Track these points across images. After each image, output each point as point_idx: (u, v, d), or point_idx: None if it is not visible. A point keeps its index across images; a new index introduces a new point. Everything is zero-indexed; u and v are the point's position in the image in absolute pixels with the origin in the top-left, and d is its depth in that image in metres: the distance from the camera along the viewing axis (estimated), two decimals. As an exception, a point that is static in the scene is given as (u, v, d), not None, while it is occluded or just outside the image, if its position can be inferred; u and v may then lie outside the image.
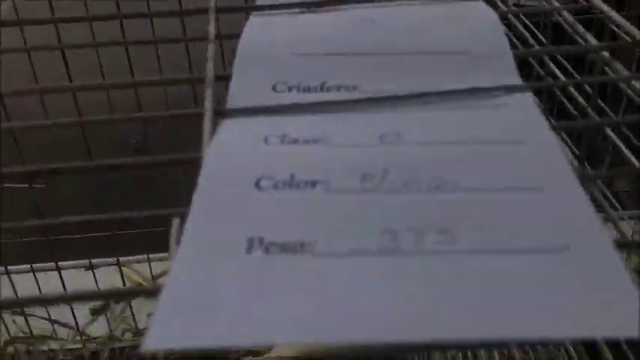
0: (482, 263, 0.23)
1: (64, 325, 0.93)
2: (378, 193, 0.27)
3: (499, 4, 0.47)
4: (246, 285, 0.23)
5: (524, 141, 0.29)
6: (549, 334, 0.21)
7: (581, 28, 0.38)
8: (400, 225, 0.25)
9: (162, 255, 0.99)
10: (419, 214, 0.25)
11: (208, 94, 0.33)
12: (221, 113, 0.32)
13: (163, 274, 1.00)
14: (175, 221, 0.26)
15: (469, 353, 0.77)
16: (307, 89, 0.34)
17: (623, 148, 0.36)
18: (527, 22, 0.60)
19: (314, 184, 0.27)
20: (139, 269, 1.01)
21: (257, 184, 0.27)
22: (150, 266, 1.00)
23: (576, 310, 0.21)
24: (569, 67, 0.62)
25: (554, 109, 0.62)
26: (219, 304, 0.22)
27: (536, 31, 0.59)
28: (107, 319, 0.94)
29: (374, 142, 0.30)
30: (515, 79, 0.34)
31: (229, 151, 0.29)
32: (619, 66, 0.35)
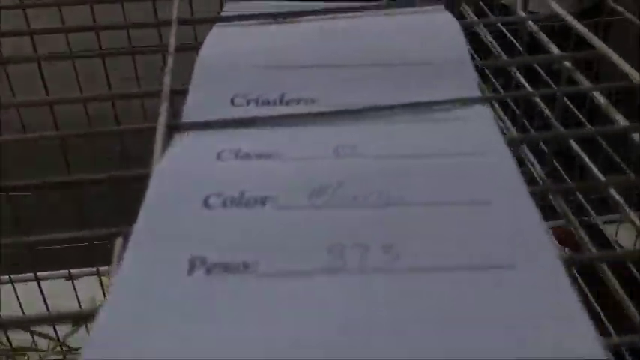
0: (425, 280, 0.23)
1: (45, 336, 0.92)
2: (326, 209, 0.26)
3: (470, 14, 0.46)
4: (185, 308, 0.22)
5: (476, 154, 0.29)
6: (496, 355, 0.21)
7: (545, 38, 0.38)
8: (347, 241, 0.24)
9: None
10: (366, 230, 0.25)
11: (163, 108, 0.32)
12: (175, 128, 0.32)
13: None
14: (118, 240, 0.25)
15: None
16: (266, 102, 0.33)
17: (587, 160, 0.36)
18: (505, 31, 0.60)
19: (263, 201, 0.27)
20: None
21: (205, 202, 0.27)
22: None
23: (524, 329, 0.21)
24: (546, 77, 0.62)
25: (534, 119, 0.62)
26: (157, 328, 0.21)
27: (514, 41, 0.59)
28: (88, 330, 0.93)
29: (328, 155, 0.29)
30: (475, 91, 0.33)
31: (180, 167, 0.29)
32: (581, 77, 0.35)
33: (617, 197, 0.33)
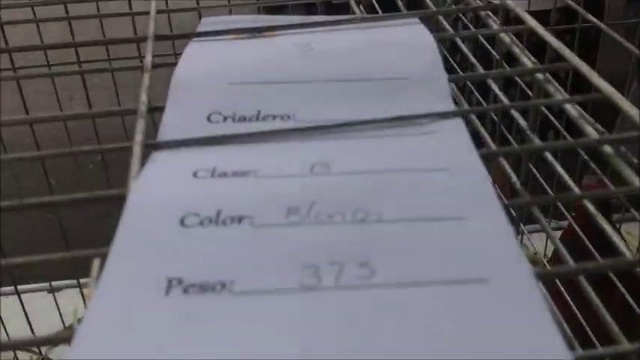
0: (399, 296, 0.23)
1: (26, 349, 0.91)
2: (302, 227, 0.26)
3: (446, 26, 0.47)
4: (162, 327, 0.22)
5: (449, 169, 0.29)
6: None
7: (517, 50, 0.38)
8: (322, 259, 0.25)
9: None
10: (341, 247, 0.25)
11: (140, 126, 0.32)
12: (151, 146, 0.32)
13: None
14: (95, 262, 0.26)
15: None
16: (242, 119, 0.34)
17: (562, 172, 0.36)
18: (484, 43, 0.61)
19: (240, 219, 0.27)
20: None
21: (182, 222, 0.27)
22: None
23: (497, 342, 0.21)
24: (524, 86, 0.63)
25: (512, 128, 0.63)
26: (134, 346, 0.22)
27: (492, 50, 0.60)
28: (69, 343, 0.92)
29: (304, 172, 0.29)
30: (449, 104, 0.34)
31: (156, 186, 0.29)
32: (552, 88, 0.35)
33: (592, 209, 0.33)
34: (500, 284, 0.23)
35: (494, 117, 0.55)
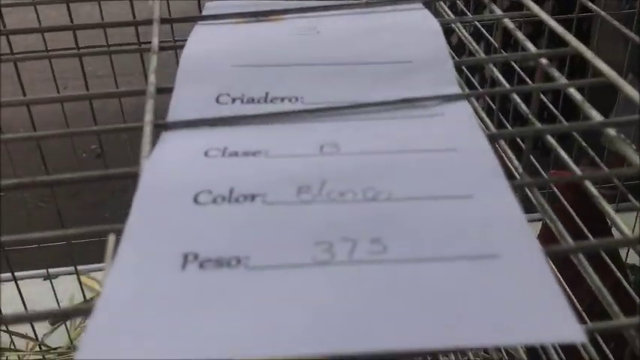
0: (412, 271, 0.23)
1: (23, 336, 0.92)
2: (314, 204, 0.27)
3: (446, 11, 0.47)
4: (180, 301, 0.23)
5: (457, 149, 0.30)
6: (482, 340, 0.21)
7: (521, 36, 0.39)
8: (335, 236, 0.25)
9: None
10: (353, 224, 0.26)
11: (149, 106, 0.33)
12: (162, 126, 0.32)
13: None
14: (111, 237, 0.26)
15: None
16: (251, 100, 0.34)
17: (563, 153, 0.37)
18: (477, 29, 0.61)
19: (252, 197, 0.27)
20: (99, 277, 1.00)
21: (195, 199, 0.27)
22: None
23: (509, 316, 0.22)
24: (522, 73, 0.63)
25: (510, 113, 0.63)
26: (153, 319, 0.22)
27: (490, 38, 0.60)
28: (67, 329, 0.93)
29: (314, 152, 0.30)
30: (454, 88, 0.34)
31: (169, 164, 0.29)
32: (557, 73, 0.36)
33: (594, 191, 0.34)
34: (512, 260, 0.24)
35: (492, 103, 0.56)
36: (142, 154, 0.30)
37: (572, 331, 0.21)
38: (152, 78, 0.35)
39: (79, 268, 0.95)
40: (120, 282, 0.23)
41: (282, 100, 0.34)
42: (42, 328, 0.93)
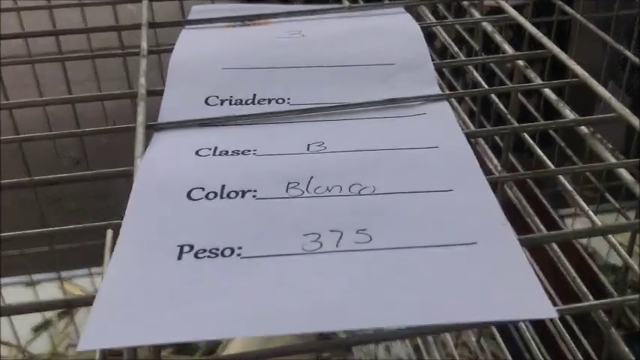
0: (396, 257, 0.25)
1: (5, 343, 0.92)
2: (303, 199, 0.28)
3: (428, 15, 0.49)
4: (178, 286, 0.24)
5: (438, 146, 0.31)
6: (460, 318, 0.23)
7: (499, 38, 0.40)
8: (323, 227, 0.26)
9: (102, 269, 0.98)
10: (340, 216, 0.27)
11: (141, 108, 0.33)
12: (153, 127, 0.33)
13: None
14: (109, 233, 0.27)
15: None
16: (239, 102, 0.35)
17: (539, 151, 0.38)
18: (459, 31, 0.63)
19: (243, 193, 0.28)
20: (80, 284, 1.00)
21: (189, 195, 0.28)
22: (92, 280, 0.99)
23: (485, 295, 0.23)
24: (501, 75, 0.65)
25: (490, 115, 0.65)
26: (153, 304, 0.23)
27: (470, 40, 0.62)
28: (50, 336, 0.93)
29: (301, 150, 0.31)
30: (435, 89, 0.35)
31: (161, 163, 0.30)
32: (532, 74, 0.37)
33: (568, 186, 0.35)
34: (488, 246, 0.25)
35: (473, 106, 0.57)
36: (136, 154, 0.30)
37: (545, 309, 0.22)
38: (142, 80, 0.36)
39: (63, 274, 0.96)
40: (119, 272, 0.24)
41: (270, 101, 0.35)
42: (24, 334, 0.93)
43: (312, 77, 0.37)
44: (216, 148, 0.31)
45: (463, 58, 0.44)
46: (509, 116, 0.39)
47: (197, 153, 0.31)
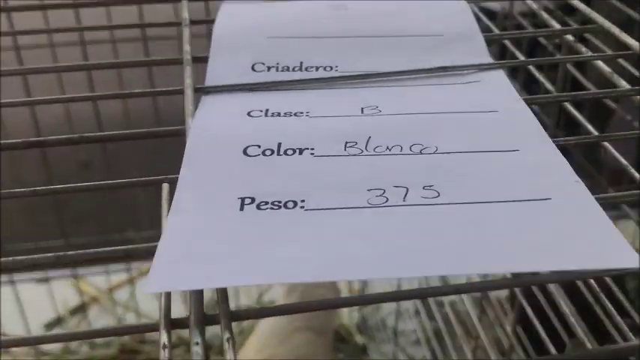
0: (468, 211, 0.24)
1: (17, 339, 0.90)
2: (362, 157, 0.27)
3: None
4: (242, 233, 0.23)
5: (498, 110, 0.30)
6: (540, 266, 0.22)
7: (545, 15, 0.40)
8: (387, 183, 0.25)
9: (119, 267, 0.98)
10: (404, 173, 0.26)
11: (187, 72, 0.33)
12: (202, 90, 0.32)
13: (118, 286, 0.99)
14: (165, 186, 0.26)
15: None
16: (286, 69, 0.34)
17: (584, 121, 0.37)
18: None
19: (301, 151, 0.27)
20: (95, 282, 0.99)
21: (245, 152, 0.27)
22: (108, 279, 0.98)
23: (566, 245, 0.22)
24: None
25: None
26: (217, 249, 0.22)
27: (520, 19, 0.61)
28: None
29: (355, 113, 0.30)
30: (487, 59, 0.35)
31: (214, 123, 0.29)
32: (583, 48, 0.36)
33: (617, 154, 0.35)
34: (564, 201, 0.24)
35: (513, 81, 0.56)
36: (186, 113, 0.30)
37: (629, 258, 0.21)
38: (187, 47, 0.35)
39: (72, 272, 0.95)
40: (180, 221, 0.23)
41: (317, 68, 0.34)
42: (36, 331, 0.92)
43: (359, 46, 0.36)
44: (267, 110, 0.31)
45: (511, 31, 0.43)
46: (553, 89, 0.38)
47: (249, 114, 0.30)
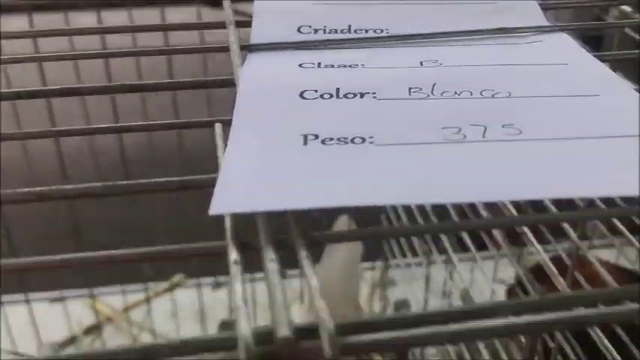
0: (552, 146, 0.22)
1: (31, 358, 0.88)
2: (430, 100, 0.25)
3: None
4: (308, 161, 0.21)
5: (567, 62, 0.28)
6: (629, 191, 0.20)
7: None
8: (463, 122, 0.23)
9: (135, 287, 0.95)
10: (480, 113, 0.24)
11: (231, 30, 0.31)
12: (247, 47, 0.30)
13: (135, 305, 0.96)
14: (218, 125, 0.24)
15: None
16: (334, 31, 0.32)
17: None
18: None
19: (362, 94, 0.26)
20: (110, 301, 0.96)
21: (301, 95, 0.25)
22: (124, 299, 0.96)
23: None
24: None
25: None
26: (284, 174, 0.20)
27: None
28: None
29: (414, 65, 0.28)
30: (545, 23, 0.33)
31: (265, 72, 0.28)
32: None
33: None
34: None
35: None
36: (235, 63, 0.28)
37: None
38: (229, 9, 0.33)
39: (87, 291, 0.92)
40: (241, 149, 0.21)
41: (367, 31, 0.32)
42: (50, 351, 0.89)
43: (409, 10, 0.34)
44: (319, 62, 0.29)
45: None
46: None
47: (300, 66, 0.28)
